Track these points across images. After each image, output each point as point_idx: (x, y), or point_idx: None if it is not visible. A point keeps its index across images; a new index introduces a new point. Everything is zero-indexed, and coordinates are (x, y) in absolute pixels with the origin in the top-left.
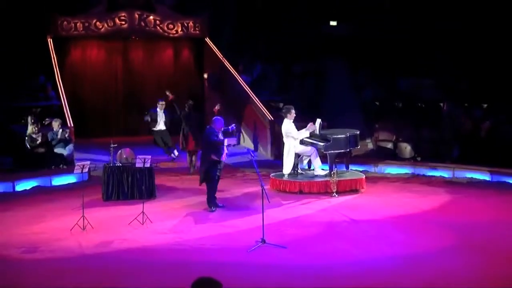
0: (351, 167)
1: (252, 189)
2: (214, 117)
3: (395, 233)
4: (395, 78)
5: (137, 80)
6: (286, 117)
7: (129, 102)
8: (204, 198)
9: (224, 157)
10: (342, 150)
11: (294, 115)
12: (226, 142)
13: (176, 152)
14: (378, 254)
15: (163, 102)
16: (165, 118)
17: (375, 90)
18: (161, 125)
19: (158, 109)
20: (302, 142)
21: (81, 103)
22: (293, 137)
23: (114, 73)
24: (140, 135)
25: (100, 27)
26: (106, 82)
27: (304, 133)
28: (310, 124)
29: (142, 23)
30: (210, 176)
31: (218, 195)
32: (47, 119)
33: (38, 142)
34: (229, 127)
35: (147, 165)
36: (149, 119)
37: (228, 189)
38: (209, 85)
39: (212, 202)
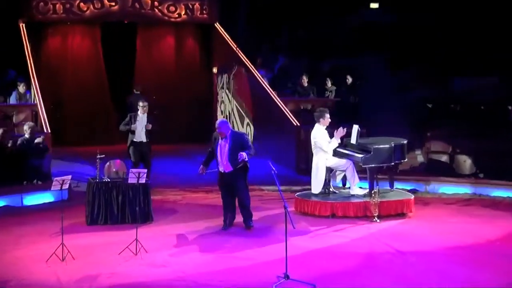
0: (397, 185)
1: (272, 211)
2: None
3: (452, 267)
4: (450, 76)
5: (130, 76)
6: (318, 122)
7: (120, 103)
8: (212, 222)
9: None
10: (386, 164)
11: (329, 120)
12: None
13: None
14: None
15: (146, 104)
16: (145, 126)
17: (425, 91)
18: (141, 136)
19: (139, 113)
20: (335, 153)
21: (60, 104)
22: (323, 148)
23: (101, 67)
24: None
25: (85, 9)
26: (91, 77)
27: (334, 143)
28: (339, 130)
29: (137, 5)
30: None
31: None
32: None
33: (6, 151)
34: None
35: (142, 180)
36: (131, 128)
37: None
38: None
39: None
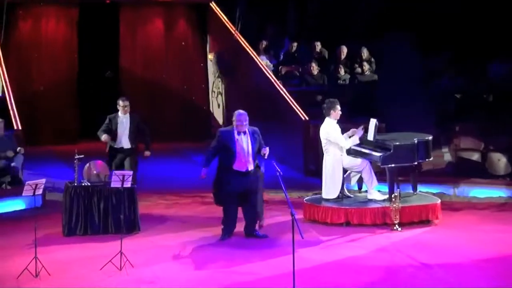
0: (421, 188)
1: (277, 218)
2: (236, 111)
3: (484, 283)
4: (484, 62)
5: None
6: (327, 115)
7: (103, 96)
8: (207, 231)
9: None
10: (408, 164)
11: (340, 112)
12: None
13: None
14: None
15: (127, 103)
16: (131, 129)
17: (454, 79)
18: (123, 141)
19: (119, 114)
20: (349, 152)
21: (34, 97)
22: (338, 143)
23: (79, 55)
24: None
25: None
26: (68, 67)
27: (352, 140)
28: (358, 129)
29: None
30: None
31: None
32: None
33: None
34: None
35: (127, 184)
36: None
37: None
38: (217, 71)
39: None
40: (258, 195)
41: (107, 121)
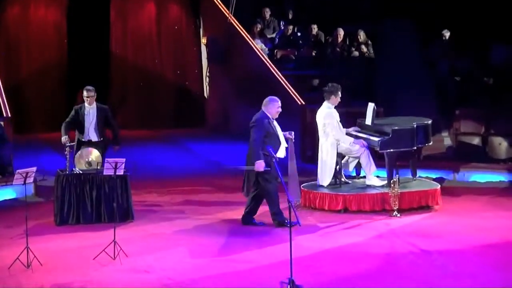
0: (420, 173)
1: None
2: (269, 97)
3: (486, 270)
4: (485, 46)
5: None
6: (327, 99)
7: (92, 83)
8: (202, 220)
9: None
10: (407, 149)
11: (339, 99)
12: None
13: None
14: None
15: (92, 93)
16: (98, 122)
17: (454, 62)
18: (90, 134)
19: (86, 105)
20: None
21: (23, 85)
22: (333, 133)
23: (69, 42)
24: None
25: None
26: (58, 54)
27: (349, 139)
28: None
29: None
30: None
31: (222, 215)
32: None
33: None
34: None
35: (120, 172)
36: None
37: (239, 205)
38: (210, 56)
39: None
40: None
41: (73, 112)
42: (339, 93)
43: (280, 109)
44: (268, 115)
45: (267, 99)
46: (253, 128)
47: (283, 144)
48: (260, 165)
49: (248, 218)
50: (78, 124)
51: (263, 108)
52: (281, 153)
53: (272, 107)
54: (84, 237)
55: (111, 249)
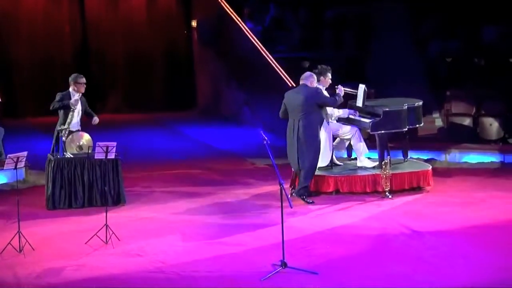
0: (411, 154)
1: (265, 188)
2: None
3: (478, 250)
4: (477, 26)
5: (94, 35)
6: (317, 80)
7: (82, 66)
8: (194, 203)
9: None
10: (398, 130)
11: (330, 81)
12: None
13: None
14: (453, 281)
15: (83, 81)
16: (82, 111)
17: (445, 43)
18: (74, 123)
19: (74, 92)
20: (338, 118)
21: (13, 69)
22: (327, 112)
23: (60, 27)
24: (100, 113)
25: None
26: (48, 39)
27: (344, 113)
28: (338, 88)
29: None
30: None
31: (214, 198)
32: None
33: None
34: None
35: (111, 156)
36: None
37: (231, 188)
38: (200, 39)
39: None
40: None
41: (58, 98)
42: (328, 74)
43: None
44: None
45: (306, 74)
46: (317, 96)
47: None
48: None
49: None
50: (62, 108)
51: (306, 82)
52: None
53: (315, 81)
54: (76, 221)
55: (103, 233)
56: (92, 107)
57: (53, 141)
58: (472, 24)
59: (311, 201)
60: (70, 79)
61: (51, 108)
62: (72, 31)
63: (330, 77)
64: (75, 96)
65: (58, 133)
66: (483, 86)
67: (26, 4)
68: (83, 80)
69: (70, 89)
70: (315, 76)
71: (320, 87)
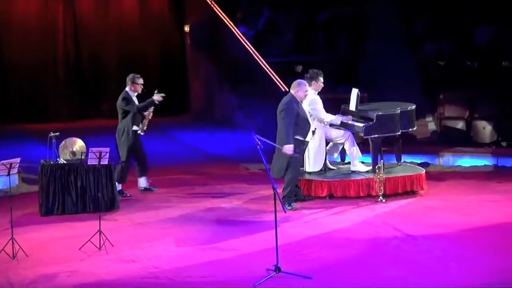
0: (405, 158)
1: (259, 193)
2: (298, 80)
3: (471, 254)
4: (470, 27)
5: (87, 39)
6: (309, 85)
7: (75, 71)
8: (188, 208)
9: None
10: (391, 134)
11: (322, 85)
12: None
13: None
14: (446, 285)
15: (141, 82)
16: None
17: (438, 45)
18: (136, 125)
19: (131, 93)
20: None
21: (4, 73)
22: (319, 116)
23: (52, 30)
24: (92, 119)
25: None
26: (40, 42)
27: (336, 119)
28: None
29: None
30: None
31: (207, 203)
32: None
33: None
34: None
35: (104, 161)
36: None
37: (225, 193)
38: (193, 43)
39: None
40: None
41: (126, 102)
42: (320, 78)
43: (307, 93)
44: (297, 98)
45: (296, 82)
46: (283, 112)
47: (312, 127)
48: (289, 149)
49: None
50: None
51: (291, 91)
52: (309, 137)
53: (301, 90)
54: (70, 227)
55: (97, 239)
56: (85, 112)
57: (131, 142)
58: (465, 25)
59: (293, 206)
60: (127, 79)
61: (136, 110)
62: (64, 36)
63: (322, 80)
64: (134, 96)
65: (135, 133)
66: (476, 89)
67: (17, 8)
68: (141, 80)
69: (127, 89)
70: (305, 84)
71: (312, 91)
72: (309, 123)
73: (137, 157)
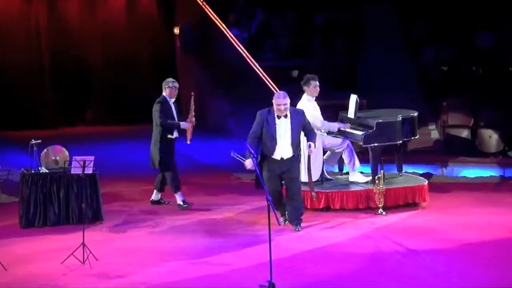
0: (406, 168)
1: (252, 204)
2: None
3: (476, 270)
4: (472, 31)
5: (71, 41)
6: (304, 91)
7: (59, 76)
8: (177, 220)
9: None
10: (392, 143)
11: (317, 89)
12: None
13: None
14: None
15: (175, 85)
16: (177, 118)
17: (440, 50)
18: (170, 133)
19: (168, 98)
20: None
21: None
22: (315, 124)
23: (34, 31)
24: (77, 126)
25: None
26: (21, 44)
27: (334, 126)
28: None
29: None
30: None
31: (197, 215)
32: None
33: None
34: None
35: (89, 170)
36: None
37: (216, 204)
38: (183, 46)
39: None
40: (295, 182)
41: (158, 108)
42: (311, 82)
43: (280, 107)
44: (274, 109)
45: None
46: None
47: (281, 146)
48: (247, 164)
49: (294, 222)
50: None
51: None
52: (277, 155)
53: (274, 102)
54: (52, 240)
55: (80, 253)
56: (70, 119)
57: (165, 151)
58: (466, 29)
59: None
60: (163, 84)
61: (162, 124)
62: (49, 39)
63: (316, 84)
64: (171, 102)
65: (171, 141)
66: (481, 96)
67: (0, 14)
68: (175, 84)
69: (164, 94)
70: (280, 96)
71: (310, 97)
72: (274, 139)
73: None
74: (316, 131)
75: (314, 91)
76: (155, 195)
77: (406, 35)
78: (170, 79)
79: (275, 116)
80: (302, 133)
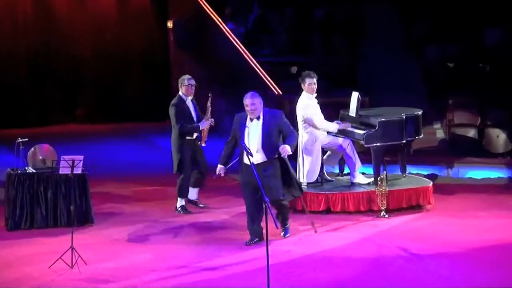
0: (410, 169)
1: None
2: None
3: (481, 274)
4: (479, 28)
5: (58, 33)
6: (303, 89)
7: (46, 70)
8: (171, 223)
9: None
10: (395, 142)
11: (315, 86)
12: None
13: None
14: None
15: (191, 83)
16: (197, 116)
17: (445, 46)
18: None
19: (185, 97)
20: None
21: None
22: (313, 123)
23: (21, 25)
24: (65, 124)
25: None
26: (5, 36)
27: (333, 127)
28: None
29: None
30: None
31: (191, 217)
32: None
33: None
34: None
35: (78, 170)
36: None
37: (211, 206)
38: (177, 41)
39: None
40: (275, 189)
41: (174, 111)
42: (306, 80)
43: (248, 108)
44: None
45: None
46: None
47: (254, 151)
48: (218, 169)
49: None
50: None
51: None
52: (246, 159)
53: (305, 87)
54: (39, 243)
55: (69, 256)
56: (58, 116)
57: (184, 153)
58: (473, 26)
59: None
60: (179, 81)
61: (179, 127)
62: (37, 33)
63: (311, 82)
64: (188, 100)
65: (191, 142)
66: (489, 94)
67: None
68: (191, 82)
69: (180, 93)
70: (251, 97)
71: (309, 94)
72: (243, 143)
73: (196, 166)
74: (315, 129)
75: (310, 89)
76: (191, 194)
77: (407, 33)
78: (186, 76)
79: (249, 118)
80: (303, 126)
